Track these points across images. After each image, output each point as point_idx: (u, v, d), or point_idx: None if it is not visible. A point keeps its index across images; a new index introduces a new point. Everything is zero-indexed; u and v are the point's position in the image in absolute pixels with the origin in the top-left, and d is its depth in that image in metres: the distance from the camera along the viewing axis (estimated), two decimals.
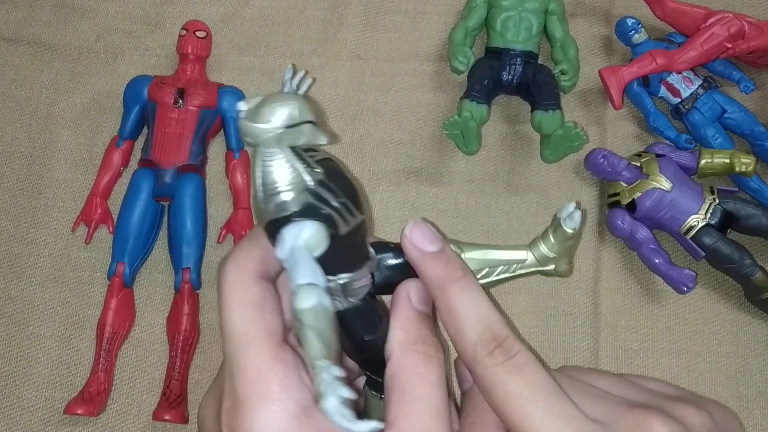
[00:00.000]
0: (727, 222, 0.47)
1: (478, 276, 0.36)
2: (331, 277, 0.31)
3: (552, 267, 0.36)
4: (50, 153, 0.53)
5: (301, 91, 0.34)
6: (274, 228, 0.29)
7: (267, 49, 0.55)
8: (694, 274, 0.47)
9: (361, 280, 0.32)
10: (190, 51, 0.52)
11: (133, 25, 0.56)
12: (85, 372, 0.47)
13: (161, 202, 0.50)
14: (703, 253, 0.47)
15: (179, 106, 0.50)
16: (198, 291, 0.48)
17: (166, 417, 0.44)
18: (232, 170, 0.50)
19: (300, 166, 0.29)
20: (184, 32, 0.52)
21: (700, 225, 0.47)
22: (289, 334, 0.35)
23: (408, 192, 0.51)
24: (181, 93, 0.50)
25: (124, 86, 0.52)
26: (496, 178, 0.52)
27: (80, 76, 0.55)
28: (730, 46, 0.50)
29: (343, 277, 0.31)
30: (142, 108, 0.51)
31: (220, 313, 0.32)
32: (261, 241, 0.31)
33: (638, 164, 0.48)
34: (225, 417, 0.31)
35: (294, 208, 0.29)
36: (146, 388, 0.47)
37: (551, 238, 0.35)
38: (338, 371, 0.28)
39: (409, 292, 0.34)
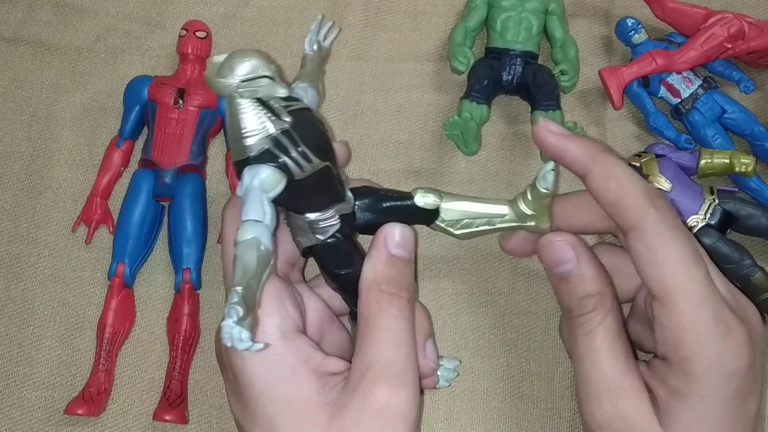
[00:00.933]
0: (726, 222, 0.47)
1: (459, 225, 0.39)
2: (298, 215, 0.36)
3: (532, 224, 0.39)
4: (50, 153, 0.53)
5: (327, 43, 0.45)
6: (238, 169, 0.34)
7: (267, 49, 0.55)
8: None
9: (328, 220, 0.36)
10: (190, 51, 0.52)
11: (133, 25, 0.56)
12: (86, 372, 0.47)
13: (161, 203, 0.50)
14: None
15: (179, 107, 0.50)
16: (198, 291, 0.48)
17: (167, 417, 0.44)
18: (233, 170, 0.50)
19: (264, 116, 0.33)
20: (184, 32, 0.52)
21: (700, 225, 0.47)
22: (293, 270, 0.40)
23: None
24: (182, 93, 0.50)
25: (124, 86, 0.52)
26: (496, 178, 0.52)
27: (80, 76, 0.55)
28: (730, 46, 0.50)
29: (308, 217, 0.36)
30: (142, 108, 0.51)
31: (221, 249, 0.37)
32: None
33: (638, 164, 0.48)
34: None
35: (252, 153, 0.33)
36: (146, 388, 0.47)
37: (528, 196, 0.38)
38: (243, 298, 0.31)
39: (386, 236, 0.37)
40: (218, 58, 0.34)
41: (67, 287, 0.49)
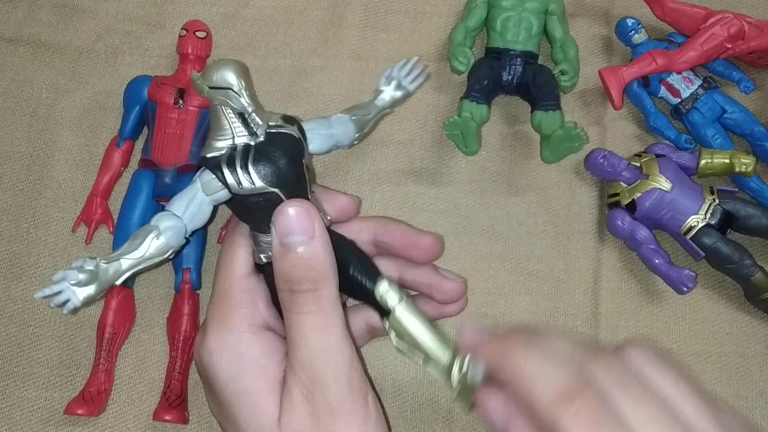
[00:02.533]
0: (727, 222, 0.47)
1: (398, 340, 0.37)
2: (251, 229, 0.37)
3: (451, 394, 0.36)
4: (50, 153, 0.53)
5: (411, 86, 0.46)
6: (197, 164, 0.36)
7: (267, 49, 0.55)
8: (694, 274, 0.47)
9: (271, 245, 0.36)
10: (190, 51, 0.52)
11: (133, 25, 0.56)
12: (86, 372, 0.47)
13: (161, 203, 0.50)
14: (703, 254, 0.47)
15: (179, 107, 0.50)
16: (198, 291, 0.48)
17: (167, 417, 0.44)
18: None
19: (233, 127, 0.35)
20: (184, 32, 0.52)
21: (700, 225, 0.47)
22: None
23: (408, 192, 0.51)
24: (182, 93, 0.50)
25: (124, 86, 0.52)
26: (496, 178, 0.52)
27: (80, 76, 0.55)
28: (730, 46, 0.50)
29: (255, 234, 0.37)
30: (142, 108, 0.51)
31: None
32: None
33: (638, 164, 0.48)
34: (197, 337, 0.38)
35: (208, 154, 0.35)
36: (146, 388, 0.47)
37: (456, 377, 0.36)
38: (96, 268, 0.34)
39: (274, 223, 0.35)
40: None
41: None
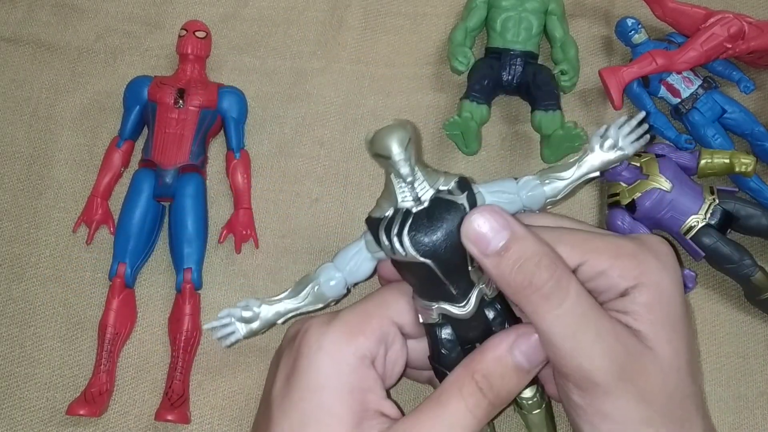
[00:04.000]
0: (727, 222, 0.47)
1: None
2: (414, 294, 0.37)
3: None
4: (50, 153, 0.53)
5: (629, 149, 0.38)
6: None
7: (267, 49, 0.55)
8: (694, 274, 0.47)
9: (426, 310, 0.36)
10: (189, 51, 0.52)
11: (133, 25, 0.56)
12: (87, 372, 0.47)
13: (162, 203, 0.50)
14: (703, 254, 0.47)
15: (179, 107, 0.50)
16: (199, 291, 0.48)
17: (169, 417, 0.44)
18: (233, 170, 0.51)
19: (398, 191, 0.35)
20: (184, 32, 0.52)
21: (700, 225, 0.47)
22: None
23: None
24: (181, 93, 0.50)
25: (124, 86, 0.52)
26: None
27: (80, 76, 0.55)
28: (730, 46, 0.50)
29: (414, 295, 0.36)
30: (142, 108, 0.51)
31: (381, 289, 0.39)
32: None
33: (638, 164, 0.48)
34: (312, 321, 0.36)
35: (372, 214, 0.36)
36: (148, 388, 0.47)
37: None
38: (253, 304, 0.39)
39: (520, 336, 0.34)
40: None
41: (68, 288, 0.49)
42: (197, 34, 0.52)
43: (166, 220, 0.50)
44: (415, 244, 0.34)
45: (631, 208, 0.48)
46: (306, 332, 0.36)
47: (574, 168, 0.37)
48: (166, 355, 0.47)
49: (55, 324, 0.49)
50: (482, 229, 0.33)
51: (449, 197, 0.34)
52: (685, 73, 0.51)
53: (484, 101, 0.49)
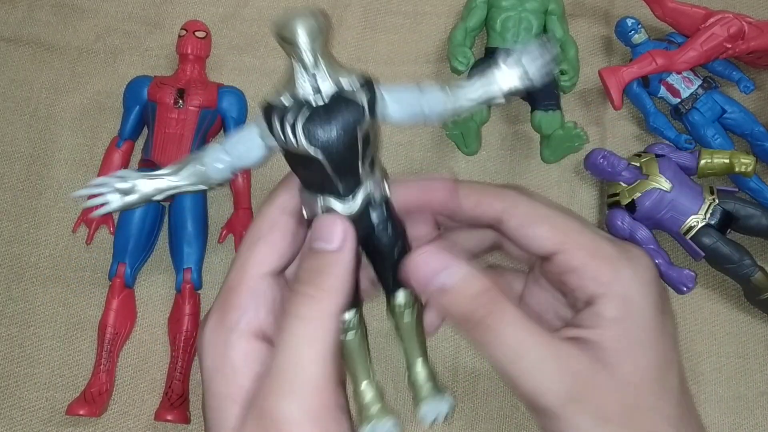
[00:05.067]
0: (726, 222, 0.47)
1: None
2: (302, 187, 0.36)
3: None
4: (50, 153, 0.53)
5: (541, 80, 0.35)
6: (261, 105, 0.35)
7: (267, 49, 0.55)
8: (693, 274, 0.47)
9: (311, 204, 0.35)
10: (189, 51, 0.52)
11: (133, 25, 0.56)
12: (87, 372, 0.47)
13: (162, 203, 0.50)
14: (703, 254, 0.47)
15: (179, 107, 0.50)
16: (199, 291, 0.48)
17: (168, 417, 0.44)
18: None
19: (299, 80, 0.33)
20: (184, 32, 0.52)
21: (700, 225, 0.47)
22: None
23: None
24: (181, 93, 0.50)
25: (124, 86, 0.52)
26: (496, 178, 0.52)
27: (80, 76, 0.55)
28: (729, 46, 0.50)
29: (302, 188, 0.36)
30: (142, 108, 0.51)
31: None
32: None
33: (638, 164, 0.48)
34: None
35: (269, 100, 0.33)
36: (148, 388, 0.47)
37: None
38: (131, 175, 0.34)
39: (313, 227, 0.34)
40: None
41: (67, 287, 0.49)
42: (197, 34, 0.52)
43: (166, 220, 0.50)
44: (309, 136, 0.33)
45: (631, 208, 0.48)
46: (197, 341, 0.36)
47: (478, 84, 0.35)
48: (166, 355, 0.47)
49: (54, 324, 0.49)
50: (422, 269, 0.34)
51: (349, 96, 0.34)
52: (685, 73, 0.51)
53: None
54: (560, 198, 0.51)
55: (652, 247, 0.47)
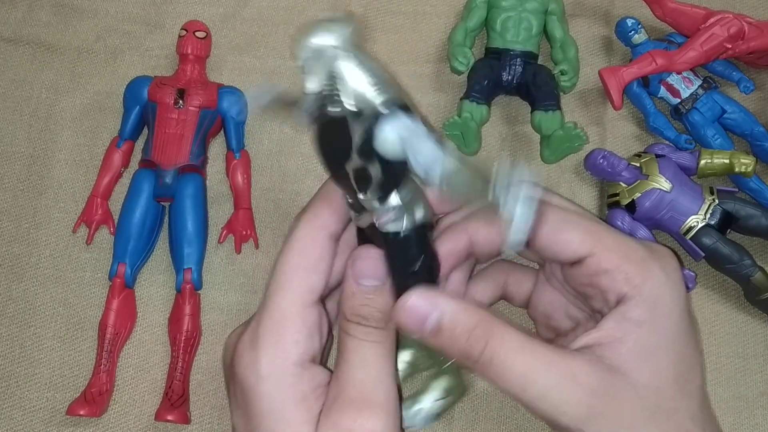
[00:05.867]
0: (726, 222, 0.47)
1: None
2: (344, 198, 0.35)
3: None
4: (50, 153, 0.53)
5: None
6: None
7: (267, 49, 0.55)
8: (693, 274, 0.47)
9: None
10: (189, 51, 0.52)
11: (133, 25, 0.56)
12: (87, 373, 0.47)
13: (162, 203, 0.50)
14: (703, 254, 0.47)
15: (179, 107, 0.50)
16: (199, 291, 0.48)
17: (169, 417, 0.44)
18: (233, 171, 0.51)
19: (369, 84, 0.31)
20: (184, 32, 0.52)
21: (700, 225, 0.47)
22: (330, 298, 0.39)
23: None
24: (182, 93, 0.50)
25: (124, 86, 0.52)
26: None
27: (80, 76, 0.55)
28: (729, 46, 0.50)
29: (345, 200, 0.35)
30: (142, 109, 0.51)
31: (280, 252, 0.36)
32: (334, 202, 0.36)
33: (638, 165, 0.48)
34: (240, 345, 0.36)
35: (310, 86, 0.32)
36: (148, 388, 0.47)
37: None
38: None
39: (352, 265, 0.36)
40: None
41: (68, 288, 0.49)
42: (197, 34, 0.52)
43: (166, 220, 0.50)
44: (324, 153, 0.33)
45: (631, 208, 0.48)
46: (240, 361, 0.35)
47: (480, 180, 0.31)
48: (166, 355, 0.47)
49: (55, 324, 0.49)
50: (412, 314, 0.34)
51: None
52: (684, 74, 0.51)
53: (484, 101, 0.50)
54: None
55: None
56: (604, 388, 0.33)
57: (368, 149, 0.31)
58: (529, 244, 0.37)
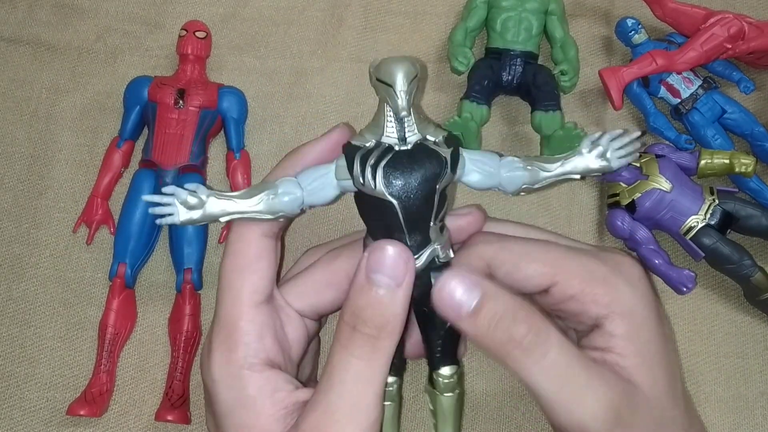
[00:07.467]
0: (726, 222, 0.47)
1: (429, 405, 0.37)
2: (367, 235, 0.36)
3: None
4: (51, 153, 0.53)
5: (618, 163, 0.37)
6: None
7: (267, 49, 0.55)
8: (693, 274, 0.47)
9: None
10: (189, 51, 0.52)
11: (133, 25, 0.56)
12: (87, 373, 0.47)
13: None
14: (703, 254, 0.47)
15: (180, 107, 0.50)
16: (199, 291, 0.48)
17: (169, 417, 0.45)
18: (233, 171, 0.51)
19: (387, 125, 0.34)
20: (184, 33, 0.52)
21: (700, 225, 0.47)
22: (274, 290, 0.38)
23: None
24: (182, 93, 0.50)
25: (124, 86, 0.52)
26: None
27: (80, 76, 0.55)
28: (730, 46, 0.50)
29: (367, 237, 0.36)
30: (142, 109, 0.51)
31: (221, 263, 0.36)
32: None
33: (638, 165, 0.48)
34: (203, 351, 0.36)
35: (352, 140, 0.35)
36: (148, 388, 0.47)
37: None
38: (202, 191, 0.34)
39: (369, 254, 0.33)
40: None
41: (68, 288, 0.49)
42: (197, 34, 0.52)
43: None
44: (387, 180, 0.33)
45: (631, 208, 0.48)
46: (201, 366, 0.37)
47: (558, 164, 0.36)
48: (166, 356, 0.47)
49: (55, 324, 0.49)
50: (454, 293, 0.32)
51: (434, 147, 0.34)
52: (685, 74, 0.51)
53: (484, 101, 0.50)
54: (560, 198, 0.51)
55: (651, 247, 0.47)
56: (627, 397, 0.33)
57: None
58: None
